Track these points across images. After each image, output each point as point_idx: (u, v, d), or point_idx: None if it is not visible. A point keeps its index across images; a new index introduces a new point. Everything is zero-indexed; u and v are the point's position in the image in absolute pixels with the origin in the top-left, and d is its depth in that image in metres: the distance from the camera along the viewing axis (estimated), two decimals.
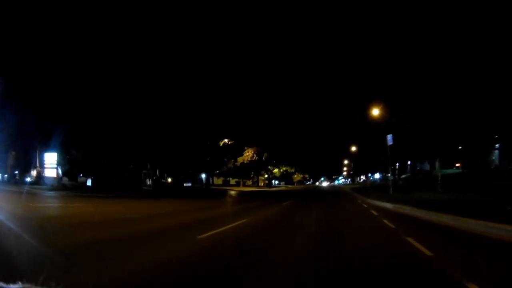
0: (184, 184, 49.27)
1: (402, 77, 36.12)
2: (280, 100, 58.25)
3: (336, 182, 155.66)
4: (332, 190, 43.23)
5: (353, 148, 72.18)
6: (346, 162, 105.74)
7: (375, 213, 12.65)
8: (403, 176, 60.22)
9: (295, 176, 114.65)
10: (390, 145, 21.13)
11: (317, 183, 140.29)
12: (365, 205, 16.65)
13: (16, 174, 48.35)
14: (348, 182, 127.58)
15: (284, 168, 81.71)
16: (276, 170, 78.89)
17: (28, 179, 45.13)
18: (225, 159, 44.21)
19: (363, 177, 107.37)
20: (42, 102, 34.76)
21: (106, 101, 35.27)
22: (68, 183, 39.86)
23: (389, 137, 21.16)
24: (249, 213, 12.95)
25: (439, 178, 20.07)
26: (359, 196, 22.84)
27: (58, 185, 37.49)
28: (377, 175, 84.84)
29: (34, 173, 45.74)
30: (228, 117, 44.32)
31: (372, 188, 33.40)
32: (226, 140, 45.05)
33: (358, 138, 57.41)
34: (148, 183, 36.37)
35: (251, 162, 51.26)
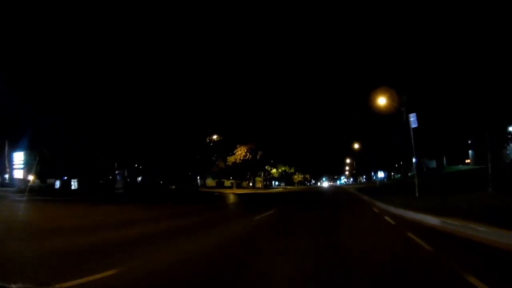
0: (172, 186, 44.94)
1: (405, 65, 32.52)
2: (277, 94, 54.00)
3: (338, 182, 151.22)
4: (335, 191, 37.56)
5: (356, 146, 67.86)
6: (348, 161, 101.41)
7: (425, 245, 5.93)
8: (409, 174, 55.83)
9: (296, 176, 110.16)
10: (415, 128, 16.32)
11: (319, 184, 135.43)
12: (388, 219, 10.16)
13: None
14: (350, 182, 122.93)
15: (283, 168, 77.16)
16: (274, 171, 74.36)
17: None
18: (213, 158, 39.62)
19: (365, 177, 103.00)
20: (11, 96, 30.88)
21: (76, 95, 31.21)
22: (36, 185, 35.87)
23: (413, 117, 16.14)
24: (160, 246, 6.49)
25: (490, 173, 15.22)
26: (372, 200, 16.29)
27: (24, 187, 33.50)
28: (380, 174, 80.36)
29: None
30: (218, 111, 40.05)
31: (383, 189, 27.36)
32: (215, 137, 40.58)
33: (361, 135, 53.59)
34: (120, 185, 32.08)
35: (244, 161, 46.83)
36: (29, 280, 3.41)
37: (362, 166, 77.39)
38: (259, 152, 48.91)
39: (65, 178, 37.06)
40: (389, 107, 38.01)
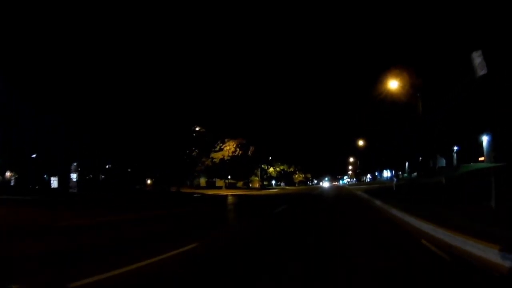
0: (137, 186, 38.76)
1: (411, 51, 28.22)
2: (273, 85, 48.68)
3: (341, 182, 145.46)
4: (338, 193, 30.03)
5: (360, 143, 62.33)
6: (351, 159, 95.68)
7: None
8: (414, 174, 51.10)
9: (296, 176, 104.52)
10: (483, 74, 10.24)
11: (321, 183, 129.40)
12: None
13: None
14: (353, 181, 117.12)
15: (281, 167, 71.27)
16: (271, 169, 68.59)
17: None
18: (194, 154, 33.85)
19: (370, 176, 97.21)
20: None
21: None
22: None
23: (477, 57, 9.93)
24: None
25: None
26: (417, 221, 7.37)
27: None
28: (386, 173, 74.55)
29: None
30: (202, 98, 34.51)
31: (403, 193, 17.97)
32: (197, 129, 34.78)
33: (366, 132, 48.76)
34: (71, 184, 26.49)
35: (233, 158, 41.17)
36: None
37: (367, 165, 71.75)
38: (251, 148, 43.14)
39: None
40: (402, 92, 32.17)
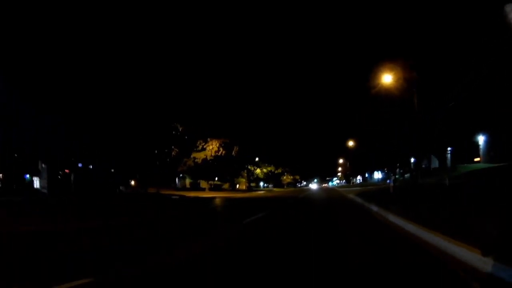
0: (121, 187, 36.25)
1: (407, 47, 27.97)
2: (262, 85, 46.16)
3: (330, 183, 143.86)
4: (328, 197, 25.45)
5: (351, 143, 60.43)
6: (341, 161, 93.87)
7: None
8: (407, 175, 49.06)
9: (284, 177, 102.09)
10: None
11: (310, 185, 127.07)
12: None
13: None
14: (343, 183, 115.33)
15: (269, 168, 68.51)
16: (258, 171, 65.77)
17: None
18: (173, 153, 30.74)
19: (360, 178, 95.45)
20: None
21: None
22: None
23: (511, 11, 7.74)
24: None
25: None
26: (422, 232, 5.81)
27: None
28: (376, 175, 72.71)
29: None
30: (183, 94, 31.60)
31: (408, 197, 14.02)
32: (179, 128, 31.72)
33: (357, 132, 46.74)
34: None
35: (217, 158, 38.21)
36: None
37: (357, 166, 69.86)
38: (235, 147, 40.23)
39: None
40: (397, 86, 29.99)
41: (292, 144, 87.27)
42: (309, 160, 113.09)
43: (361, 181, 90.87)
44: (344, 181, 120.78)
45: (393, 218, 8.44)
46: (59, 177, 28.69)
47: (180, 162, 36.02)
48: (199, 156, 36.85)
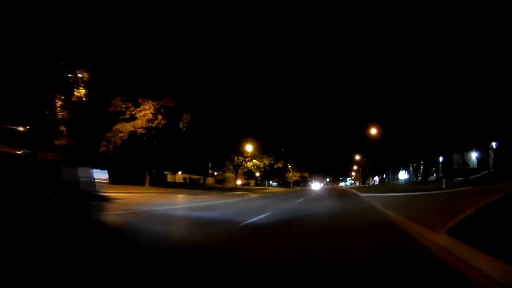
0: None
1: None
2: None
3: (343, 183, 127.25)
4: (339, 219, 9.91)
5: (373, 131, 45.37)
6: (357, 157, 77.68)
7: None
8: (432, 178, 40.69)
9: (290, 174, 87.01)
10: None
11: (312, 186, 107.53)
12: None
13: None
14: (357, 184, 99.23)
15: (265, 161, 53.32)
16: (249, 164, 51.10)
17: None
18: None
19: (376, 178, 79.61)
20: None
21: None
22: None
23: None
24: None
25: None
26: None
27: None
28: (402, 175, 57.24)
29: None
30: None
31: None
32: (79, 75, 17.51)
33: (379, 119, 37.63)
34: None
35: (152, 130, 22.97)
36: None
37: (379, 163, 54.79)
38: (185, 115, 25.06)
39: None
40: None
41: (296, 133, 72.35)
42: (319, 156, 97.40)
43: (377, 182, 75.28)
44: (356, 182, 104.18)
45: None
46: None
47: (100, 138, 22.22)
48: (126, 127, 22.15)
